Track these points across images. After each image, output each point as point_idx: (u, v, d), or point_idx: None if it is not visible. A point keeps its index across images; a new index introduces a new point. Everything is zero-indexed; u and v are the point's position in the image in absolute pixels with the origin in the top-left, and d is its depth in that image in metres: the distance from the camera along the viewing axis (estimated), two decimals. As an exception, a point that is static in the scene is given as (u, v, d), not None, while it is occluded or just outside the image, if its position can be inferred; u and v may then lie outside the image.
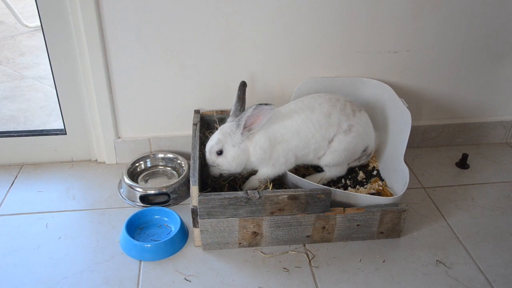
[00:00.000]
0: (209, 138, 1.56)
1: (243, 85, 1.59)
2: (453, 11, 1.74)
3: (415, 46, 1.79)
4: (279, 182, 1.60)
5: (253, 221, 1.41)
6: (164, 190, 1.65)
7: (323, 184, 1.58)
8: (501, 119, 2.01)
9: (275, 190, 1.43)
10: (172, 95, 1.78)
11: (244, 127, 1.46)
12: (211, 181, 1.58)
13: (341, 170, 1.66)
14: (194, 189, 1.36)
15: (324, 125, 1.53)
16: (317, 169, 1.70)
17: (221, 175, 1.56)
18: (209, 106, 1.82)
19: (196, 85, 1.77)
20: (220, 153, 1.50)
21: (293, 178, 1.52)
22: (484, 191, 1.75)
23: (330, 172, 1.65)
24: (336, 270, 1.40)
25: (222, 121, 1.76)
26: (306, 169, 1.73)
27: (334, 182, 1.68)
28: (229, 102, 1.79)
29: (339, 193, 1.47)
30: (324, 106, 1.55)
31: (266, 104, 1.42)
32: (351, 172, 1.73)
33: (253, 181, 1.57)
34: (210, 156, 1.52)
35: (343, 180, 1.69)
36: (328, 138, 1.55)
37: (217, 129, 1.56)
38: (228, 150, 1.49)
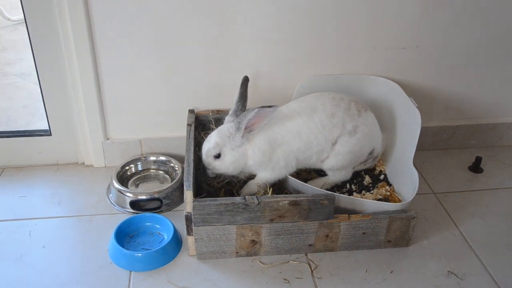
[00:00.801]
0: (204, 139, 1.57)
1: (245, 81, 1.59)
2: (467, 3, 1.74)
3: (425, 41, 1.80)
4: (279, 187, 1.61)
5: (251, 229, 1.41)
6: (156, 195, 1.65)
7: (327, 189, 1.58)
8: (517, 119, 2.02)
9: (275, 195, 1.43)
10: (165, 94, 1.78)
11: (245, 129, 1.47)
12: (206, 185, 1.59)
13: (345, 174, 1.66)
14: (188, 194, 1.36)
15: (327, 126, 1.54)
16: (320, 173, 1.70)
17: (216, 176, 1.58)
18: (204, 105, 1.82)
19: (191, 82, 1.77)
20: (217, 156, 1.51)
21: (295, 182, 1.52)
22: (499, 197, 1.76)
23: (334, 176, 1.65)
24: (340, 281, 1.40)
25: (218, 121, 1.76)
26: (308, 173, 1.73)
27: (338, 187, 1.68)
28: (226, 101, 1.79)
29: (343, 199, 1.47)
30: (327, 106, 1.56)
31: (269, 107, 1.43)
32: (357, 176, 1.73)
33: (252, 186, 1.57)
34: (207, 159, 1.53)
35: (348, 185, 1.69)
36: (331, 140, 1.55)
37: (213, 130, 1.57)
38: (227, 154, 1.50)
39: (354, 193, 1.65)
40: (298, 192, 1.52)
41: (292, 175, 1.57)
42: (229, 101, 1.67)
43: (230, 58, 1.74)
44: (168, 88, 1.78)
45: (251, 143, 1.50)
